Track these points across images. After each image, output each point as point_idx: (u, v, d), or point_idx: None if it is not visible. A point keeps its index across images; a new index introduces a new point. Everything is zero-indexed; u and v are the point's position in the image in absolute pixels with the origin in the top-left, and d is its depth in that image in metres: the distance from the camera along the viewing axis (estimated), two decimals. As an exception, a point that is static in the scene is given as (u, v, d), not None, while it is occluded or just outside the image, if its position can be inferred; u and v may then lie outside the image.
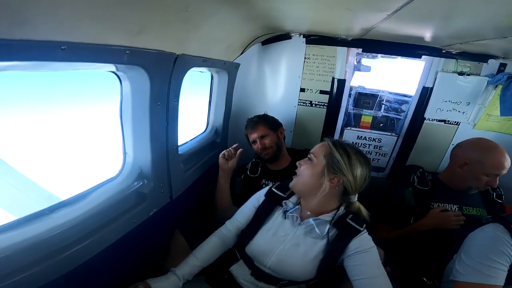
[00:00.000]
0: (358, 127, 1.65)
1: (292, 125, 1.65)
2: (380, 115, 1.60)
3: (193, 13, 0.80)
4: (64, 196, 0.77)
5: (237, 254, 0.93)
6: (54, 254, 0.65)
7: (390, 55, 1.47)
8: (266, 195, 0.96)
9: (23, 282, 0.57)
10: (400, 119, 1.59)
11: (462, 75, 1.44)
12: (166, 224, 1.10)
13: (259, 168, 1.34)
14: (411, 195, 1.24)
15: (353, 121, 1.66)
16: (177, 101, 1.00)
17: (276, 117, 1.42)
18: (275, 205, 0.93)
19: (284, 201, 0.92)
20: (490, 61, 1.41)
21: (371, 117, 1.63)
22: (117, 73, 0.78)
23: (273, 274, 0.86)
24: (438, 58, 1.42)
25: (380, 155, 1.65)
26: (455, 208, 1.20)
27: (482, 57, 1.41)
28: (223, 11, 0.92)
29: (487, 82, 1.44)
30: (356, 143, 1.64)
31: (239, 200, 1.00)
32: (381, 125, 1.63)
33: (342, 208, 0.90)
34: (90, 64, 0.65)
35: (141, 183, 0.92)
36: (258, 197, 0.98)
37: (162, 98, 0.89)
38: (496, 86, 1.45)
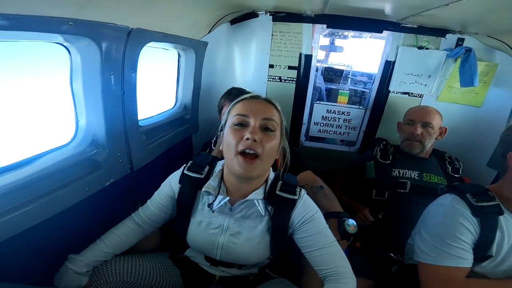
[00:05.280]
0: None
1: None
2: (347, 89, 1.64)
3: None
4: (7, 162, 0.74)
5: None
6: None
7: (353, 30, 1.52)
8: (180, 182, 0.79)
9: None
10: (366, 92, 1.64)
11: (421, 49, 1.51)
12: (128, 198, 1.07)
13: None
14: (371, 168, 1.29)
15: (325, 97, 1.69)
16: (135, 73, 0.99)
17: None
18: (195, 190, 0.77)
19: (204, 190, 0.73)
20: (448, 35, 1.49)
21: (347, 97, 1.66)
22: (64, 44, 0.79)
23: (227, 261, 0.79)
24: (398, 33, 1.48)
25: (350, 129, 1.69)
26: (415, 175, 1.23)
27: (440, 32, 1.48)
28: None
29: (446, 56, 1.52)
30: (326, 117, 1.68)
31: None
32: (357, 104, 1.66)
33: (269, 177, 0.77)
34: (31, 33, 0.64)
35: (95, 150, 0.90)
36: (172, 186, 0.81)
37: (116, 68, 0.89)
38: (456, 60, 1.53)
